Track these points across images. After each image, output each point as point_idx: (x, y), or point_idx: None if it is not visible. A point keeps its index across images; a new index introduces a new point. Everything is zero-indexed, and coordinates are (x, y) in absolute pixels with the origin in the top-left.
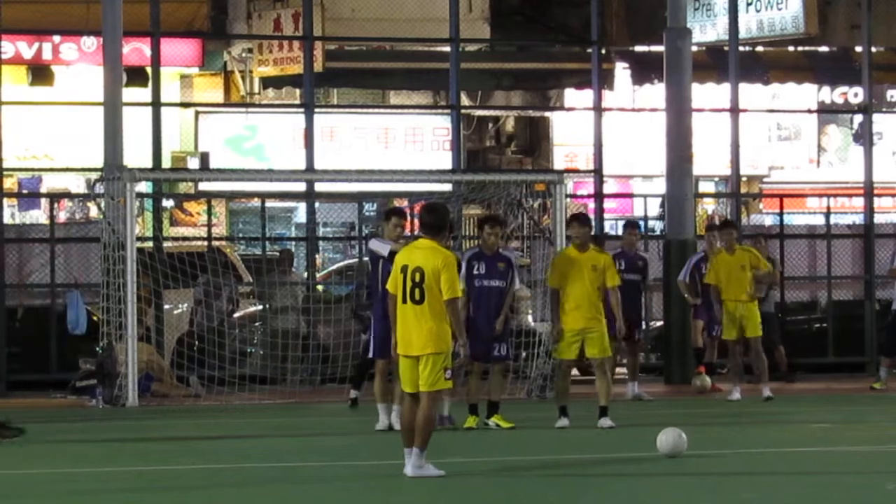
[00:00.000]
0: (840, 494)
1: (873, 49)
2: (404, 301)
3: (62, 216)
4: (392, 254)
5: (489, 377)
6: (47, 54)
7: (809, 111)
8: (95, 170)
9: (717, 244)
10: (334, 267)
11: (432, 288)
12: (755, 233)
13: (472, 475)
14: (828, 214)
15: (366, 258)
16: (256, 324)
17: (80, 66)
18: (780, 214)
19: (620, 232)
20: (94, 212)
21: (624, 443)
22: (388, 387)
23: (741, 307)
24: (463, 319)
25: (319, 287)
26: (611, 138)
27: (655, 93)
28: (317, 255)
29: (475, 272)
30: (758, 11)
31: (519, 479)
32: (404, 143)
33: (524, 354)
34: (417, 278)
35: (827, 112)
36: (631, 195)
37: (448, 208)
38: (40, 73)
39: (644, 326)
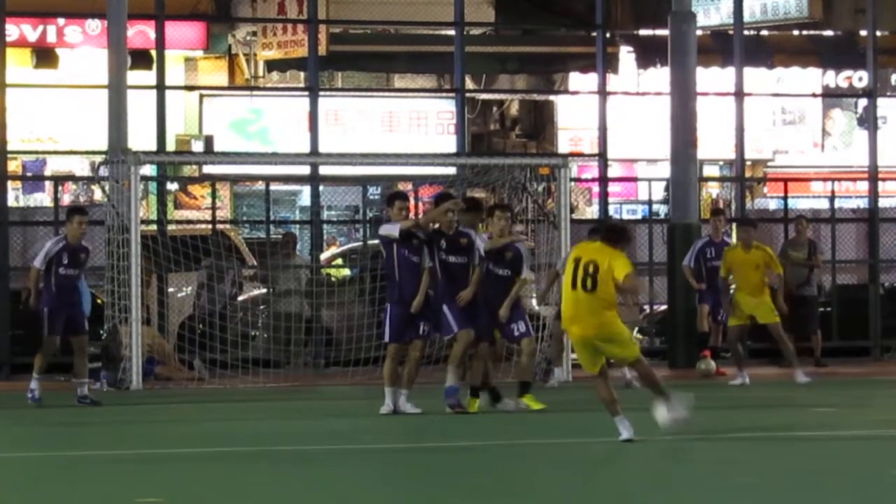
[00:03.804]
0: (844, 479)
1: (878, 33)
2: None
3: (66, 199)
4: (403, 231)
5: (515, 357)
6: (52, 37)
7: (814, 95)
8: (100, 153)
9: (735, 239)
10: (338, 250)
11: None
12: (796, 215)
13: (476, 460)
14: (832, 198)
15: (372, 241)
16: (260, 307)
17: (84, 48)
18: (785, 199)
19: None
20: (98, 195)
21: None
22: (399, 371)
23: (752, 301)
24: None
25: (333, 270)
26: (615, 122)
27: (660, 76)
28: (334, 238)
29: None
30: None
31: (523, 464)
32: (409, 126)
33: None
34: (591, 269)
35: (831, 96)
36: (635, 179)
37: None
38: (45, 55)
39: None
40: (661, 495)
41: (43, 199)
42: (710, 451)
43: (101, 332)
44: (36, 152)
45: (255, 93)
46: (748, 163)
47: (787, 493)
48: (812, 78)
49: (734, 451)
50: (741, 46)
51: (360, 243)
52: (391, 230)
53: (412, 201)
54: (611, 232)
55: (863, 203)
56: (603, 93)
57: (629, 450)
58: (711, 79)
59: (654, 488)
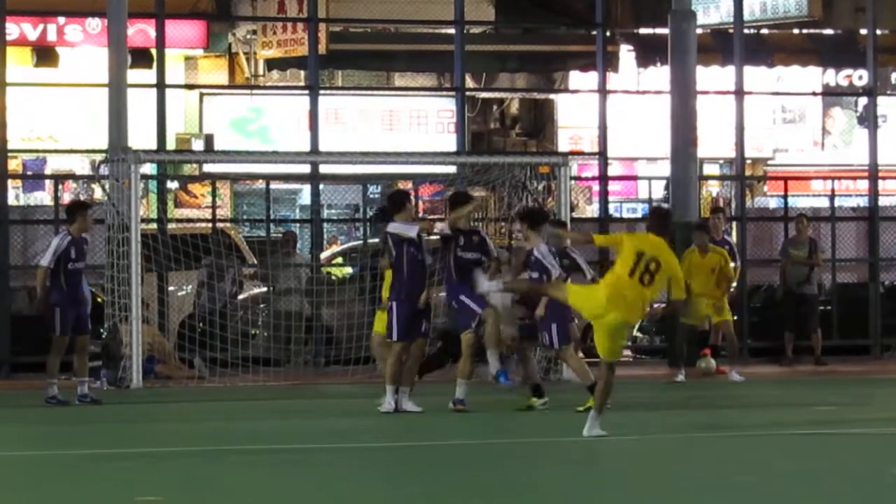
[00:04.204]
0: (844, 478)
1: (878, 31)
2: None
3: (66, 198)
4: (420, 233)
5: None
6: (52, 36)
7: (814, 94)
8: (100, 151)
9: (694, 243)
10: (339, 249)
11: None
12: (797, 213)
13: (478, 458)
14: (832, 197)
15: (372, 240)
16: (260, 305)
17: (84, 47)
18: (785, 197)
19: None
20: (98, 193)
21: (627, 425)
22: (401, 369)
23: (707, 302)
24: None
25: (333, 269)
26: (615, 121)
27: (660, 75)
28: (335, 236)
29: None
30: None
31: (525, 463)
32: (409, 125)
33: None
34: (653, 267)
35: (831, 95)
36: (635, 178)
37: (669, 213)
38: (45, 54)
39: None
40: (661, 493)
41: (43, 197)
42: (709, 449)
43: (102, 330)
44: (36, 151)
45: (255, 91)
46: (748, 161)
47: (786, 492)
48: (812, 76)
49: (734, 449)
50: (741, 45)
51: (361, 242)
52: (407, 230)
53: (412, 201)
54: (656, 218)
55: (863, 201)
56: (603, 91)
57: (629, 448)
58: (711, 77)
59: (654, 486)
